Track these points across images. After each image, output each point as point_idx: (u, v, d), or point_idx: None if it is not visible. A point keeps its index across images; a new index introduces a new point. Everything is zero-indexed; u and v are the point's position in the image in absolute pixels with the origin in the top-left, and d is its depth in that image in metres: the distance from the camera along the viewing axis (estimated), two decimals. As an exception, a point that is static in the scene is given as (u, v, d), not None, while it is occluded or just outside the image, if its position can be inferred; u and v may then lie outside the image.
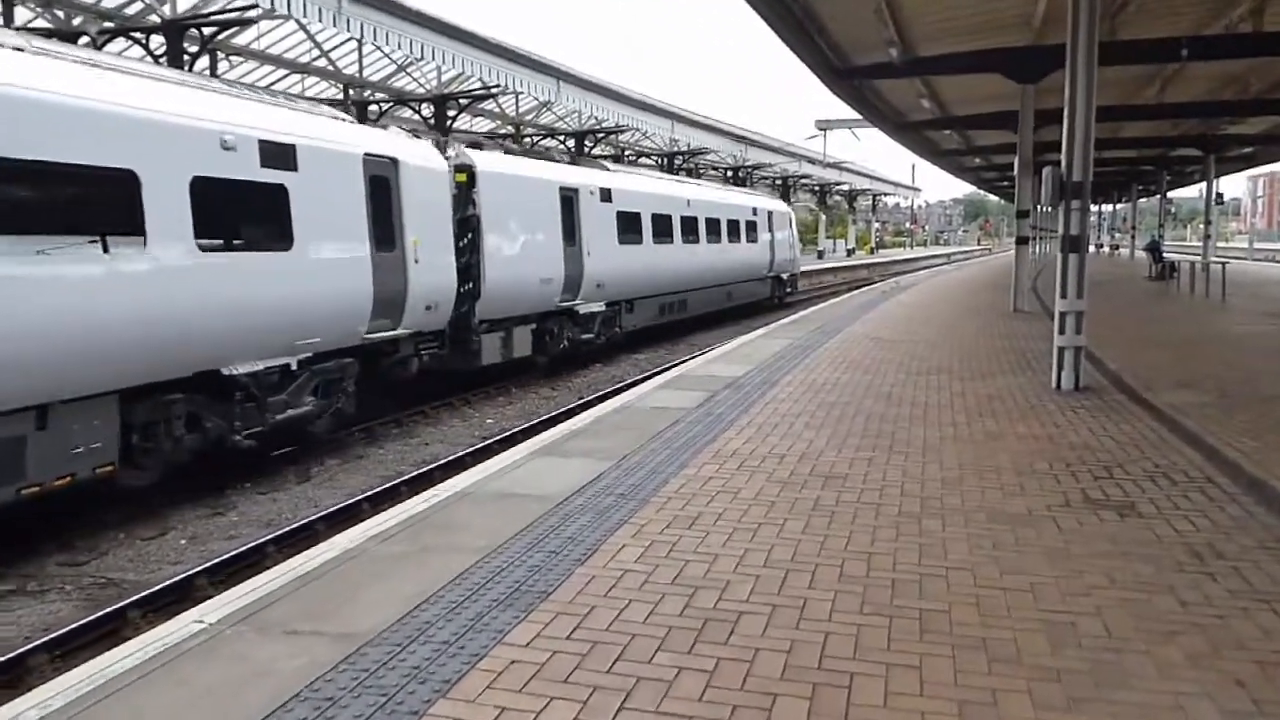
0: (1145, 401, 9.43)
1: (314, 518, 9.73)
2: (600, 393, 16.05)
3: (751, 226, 29.76)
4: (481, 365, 15.75)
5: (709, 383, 10.74)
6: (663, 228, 22.55)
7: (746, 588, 4.48)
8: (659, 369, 17.16)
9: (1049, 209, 60.04)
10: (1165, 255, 32.48)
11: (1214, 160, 38.70)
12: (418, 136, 15.15)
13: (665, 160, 45.90)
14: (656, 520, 5.52)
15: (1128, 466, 6.82)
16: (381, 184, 12.60)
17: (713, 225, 25.97)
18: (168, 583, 7.77)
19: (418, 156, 13.71)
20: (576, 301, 18.56)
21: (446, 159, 14.96)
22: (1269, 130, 33.38)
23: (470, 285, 15.24)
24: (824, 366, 12.03)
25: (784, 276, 33.90)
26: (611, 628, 4.01)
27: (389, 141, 13.33)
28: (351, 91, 27.09)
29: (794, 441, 7.63)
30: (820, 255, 68.85)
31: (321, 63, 27.48)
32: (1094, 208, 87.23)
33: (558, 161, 19.82)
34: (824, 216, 73.58)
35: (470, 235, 15.27)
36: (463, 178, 15.13)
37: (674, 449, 7.35)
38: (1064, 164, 10.24)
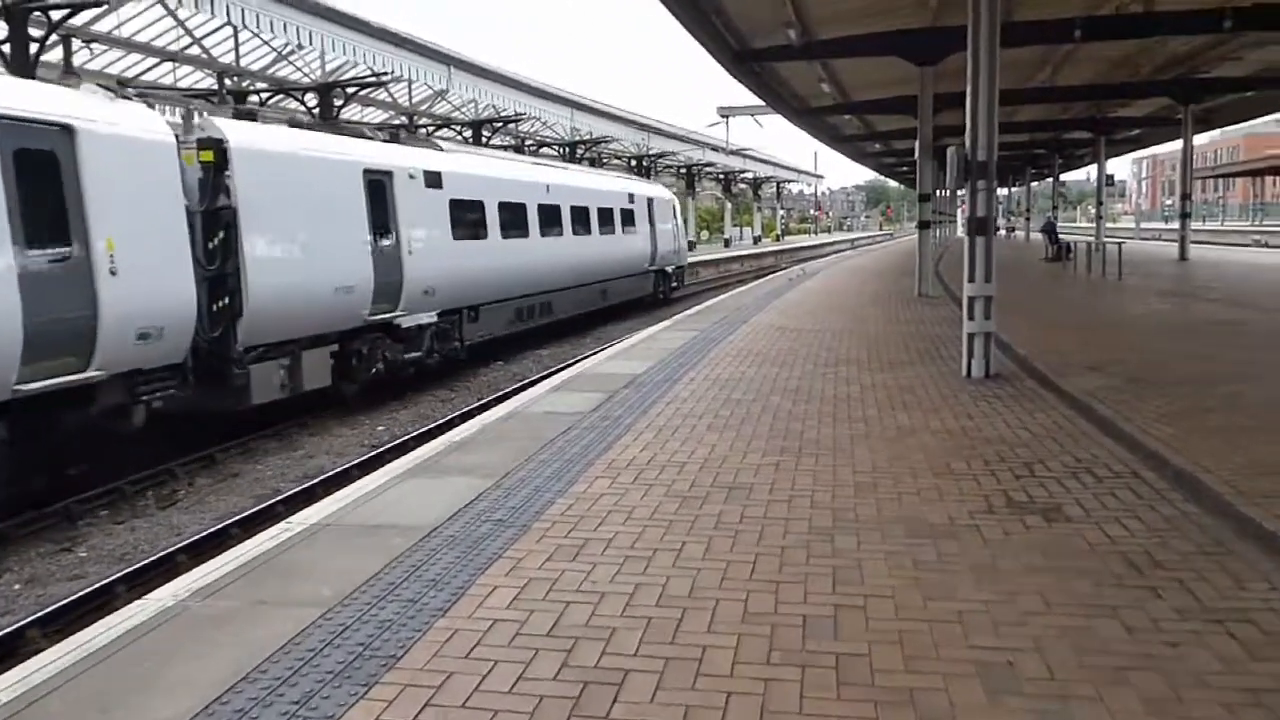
0: (1057, 388, 9.10)
1: (175, 548, 8.75)
2: (501, 392, 15.25)
3: (628, 216, 26.76)
4: (252, 404, 12.23)
5: (607, 382, 10.06)
6: (515, 219, 19.23)
7: (635, 636, 3.81)
8: (561, 365, 16.44)
9: (947, 193, 61.09)
10: (1061, 237, 33.05)
11: (1104, 142, 39.68)
12: (124, 98, 11.31)
13: (567, 150, 45.01)
14: (536, 551, 4.81)
15: (1049, 462, 6.38)
16: (39, 162, 9.06)
17: (580, 215, 22.95)
18: (-15, 640, 6.75)
19: (111, 122, 9.98)
20: (396, 313, 14.79)
21: (186, 129, 11.68)
22: (1155, 112, 34.26)
23: (226, 300, 11.72)
24: (729, 360, 11.47)
25: (668, 270, 30.90)
26: (469, 703, 3.29)
27: (58, 100, 9.57)
28: (228, 81, 25.50)
29: (696, 446, 7.01)
30: (727, 243, 68.85)
31: (195, 50, 25.88)
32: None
33: (371, 139, 15.90)
34: (729, 205, 73.59)
35: (224, 233, 11.66)
36: (209, 156, 11.54)
37: (564, 461, 6.65)
38: (968, 144, 9.85)
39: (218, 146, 11.66)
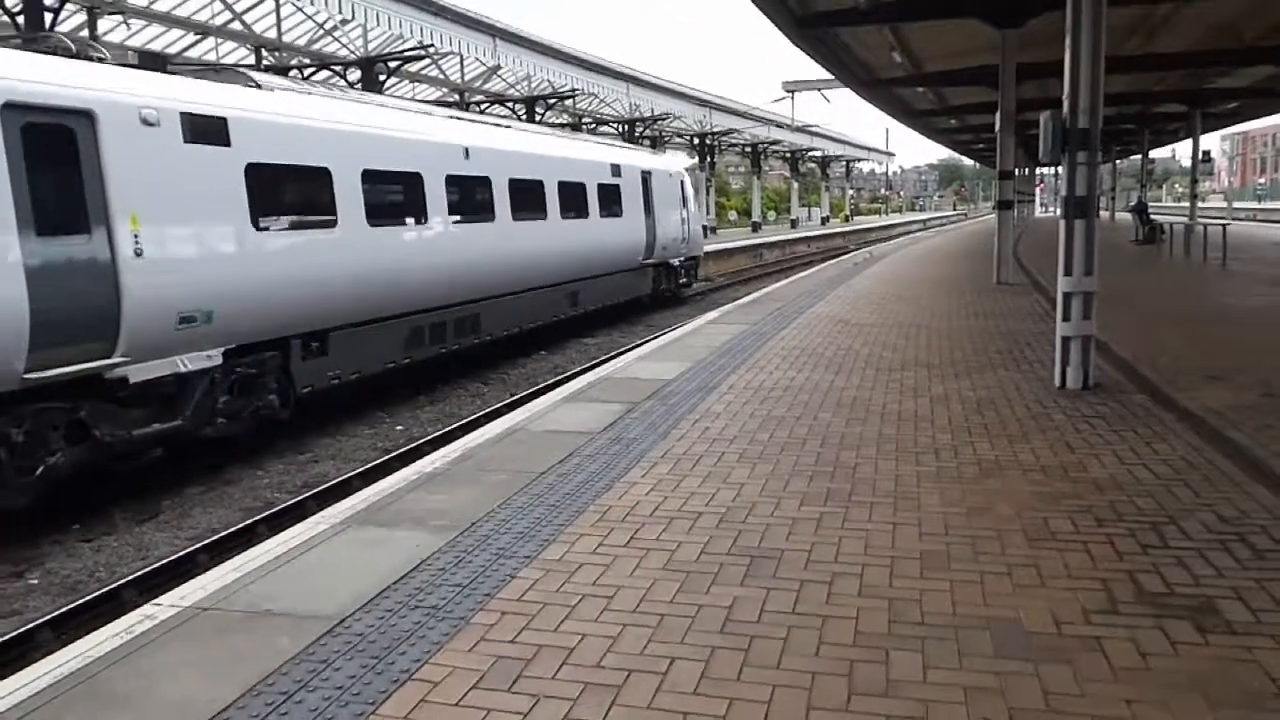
0: (1175, 404, 7.42)
1: (129, 579, 7.58)
2: (536, 386, 13.93)
3: (611, 194, 20.28)
4: None
5: (630, 389, 8.63)
6: (399, 196, 13.27)
7: None
8: (593, 362, 15.01)
9: (1026, 171, 57.97)
10: (1152, 217, 30.62)
11: (1199, 116, 36.83)
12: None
13: (626, 127, 43.54)
14: (464, 669, 3.42)
15: (1183, 522, 4.78)
16: None
17: (528, 192, 16.53)
18: None
19: None
20: (110, 361, 8.63)
21: None
22: (1257, 83, 31.45)
23: None
24: (777, 362, 9.95)
25: (674, 263, 24.28)
26: None
27: None
28: (268, 55, 24.62)
29: (718, 486, 5.55)
30: (794, 224, 66.74)
31: (236, 25, 25.00)
32: (1052, 170, 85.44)
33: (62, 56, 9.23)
34: (796, 184, 71.32)
35: None
36: None
37: (548, 506, 5.24)
38: (1067, 108, 8.16)
39: None
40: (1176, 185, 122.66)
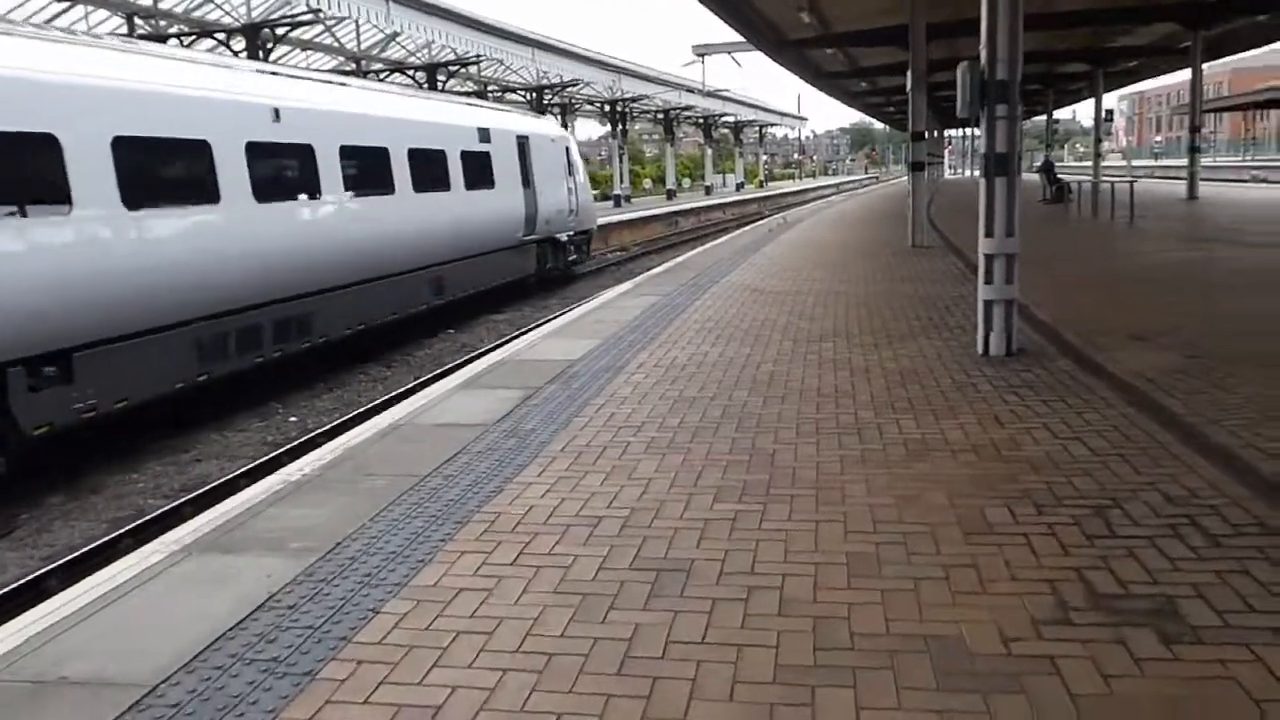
0: (1102, 370, 7.09)
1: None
2: (433, 372, 13.15)
3: (478, 163, 17.66)
4: None
5: (533, 373, 7.97)
6: (175, 170, 10.84)
7: None
8: (498, 341, 14.26)
9: (942, 131, 58.31)
10: (1059, 176, 30.91)
11: (1102, 75, 37.37)
12: None
13: (534, 95, 42.42)
14: (302, 743, 2.78)
15: (1127, 504, 4.36)
16: None
17: (366, 162, 14.09)
18: None
19: None
20: None
21: None
22: (1159, 40, 31.94)
23: None
24: (690, 335, 9.39)
25: (562, 239, 22.08)
26: None
27: None
28: (141, 23, 22.98)
29: (621, 484, 4.96)
30: (708, 191, 66.39)
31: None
32: (960, 133, 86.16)
33: None
34: (710, 151, 70.90)
35: None
36: None
37: (427, 518, 4.58)
38: (984, 58, 7.71)
39: None
40: (1078, 145, 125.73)
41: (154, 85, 10.45)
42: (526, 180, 19.78)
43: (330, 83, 15.06)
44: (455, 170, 16.74)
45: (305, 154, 12.65)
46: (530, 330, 12.28)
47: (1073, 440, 5.41)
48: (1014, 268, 7.82)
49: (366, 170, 14.12)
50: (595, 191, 61.97)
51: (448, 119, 17.28)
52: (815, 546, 4.03)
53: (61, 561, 7.41)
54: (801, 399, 6.64)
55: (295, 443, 10.33)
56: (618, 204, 49.01)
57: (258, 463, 9.68)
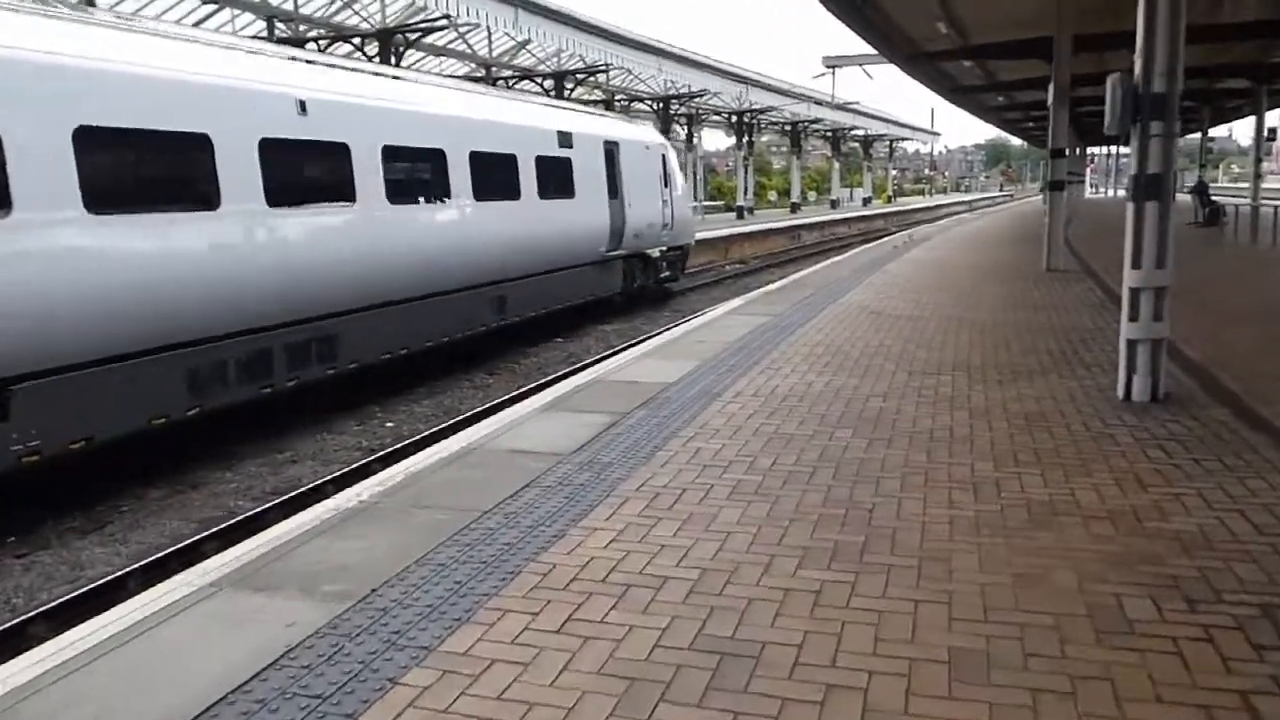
0: (1265, 423, 6.15)
1: (32, 613, 6.62)
2: (522, 388, 12.83)
3: (557, 170, 15.92)
4: None
5: (621, 395, 7.50)
6: (166, 168, 9.12)
7: None
8: (596, 357, 13.83)
9: (1082, 149, 55.58)
10: (1213, 198, 28.80)
11: (1265, 92, 34.70)
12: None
13: (661, 105, 42.21)
14: None
15: (1306, 606, 3.58)
16: None
17: (415, 165, 12.55)
18: None
19: None
20: None
21: None
22: (1332, 55, 29.40)
23: None
24: (795, 362, 8.76)
25: (653, 254, 19.99)
26: None
27: None
28: (281, 26, 23.66)
29: (696, 537, 4.42)
30: (834, 204, 65.03)
31: (250, -4, 24.08)
32: (1103, 150, 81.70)
33: None
34: (838, 164, 69.45)
35: None
36: None
37: (477, 563, 4.14)
38: (1139, 69, 6.87)
39: None
40: (1233, 166, 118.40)
41: (155, 68, 8.85)
42: (614, 190, 18.07)
43: (374, 74, 13.27)
44: (527, 177, 15.00)
45: (339, 153, 10.96)
46: (628, 347, 11.83)
47: (1232, 513, 4.59)
48: (1164, 302, 6.94)
49: (411, 175, 12.56)
50: (719, 202, 61.57)
51: (519, 119, 15.51)
52: (912, 636, 3.41)
53: (144, 562, 7.34)
54: (911, 443, 5.96)
55: (393, 447, 10.18)
56: (740, 215, 48.37)
57: (351, 467, 9.54)
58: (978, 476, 5.27)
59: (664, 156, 20.62)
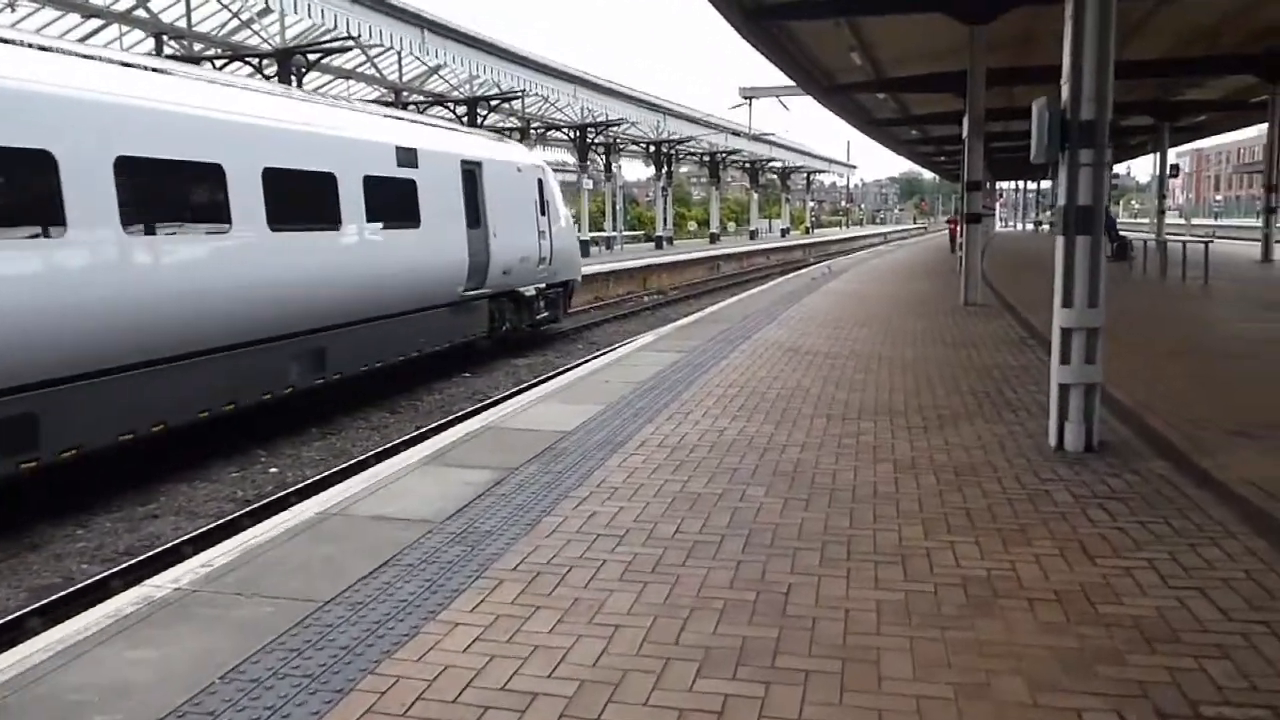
0: (1208, 477, 5.66)
1: None
2: (431, 425, 11.92)
3: (398, 193, 13.36)
4: None
5: (513, 446, 6.71)
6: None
7: None
8: (493, 399, 13.00)
9: (993, 183, 56.73)
10: (1120, 233, 29.27)
11: (1168, 129, 35.76)
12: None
13: (577, 133, 41.68)
14: None
15: (1294, 719, 2.99)
16: None
17: (178, 183, 9.81)
18: None
19: None
20: None
21: None
22: (1231, 95, 30.37)
23: None
24: (708, 405, 8.09)
25: (527, 293, 17.50)
26: None
27: None
28: (175, 44, 22.42)
29: (578, 632, 3.66)
30: (753, 236, 65.25)
31: (140, 12, 22.80)
32: (1011, 185, 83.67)
33: None
34: (756, 195, 69.85)
35: None
36: None
37: (298, 679, 3.31)
38: (1067, 94, 6.42)
39: None
40: (1133, 202, 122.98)
41: None
42: (476, 218, 15.40)
43: (131, 66, 9.77)
44: (351, 201, 12.19)
45: (43, 165, 7.97)
46: (530, 387, 11.04)
47: (1191, 592, 4.02)
48: (1096, 345, 6.45)
49: (172, 195, 9.84)
50: (639, 232, 61.17)
51: (339, 130, 12.51)
52: (833, 780, 2.69)
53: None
54: (831, 503, 5.30)
55: (262, 501, 9.21)
56: (660, 245, 48.02)
57: (217, 523, 8.56)
58: (906, 546, 4.62)
59: (541, 180, 18.02)
